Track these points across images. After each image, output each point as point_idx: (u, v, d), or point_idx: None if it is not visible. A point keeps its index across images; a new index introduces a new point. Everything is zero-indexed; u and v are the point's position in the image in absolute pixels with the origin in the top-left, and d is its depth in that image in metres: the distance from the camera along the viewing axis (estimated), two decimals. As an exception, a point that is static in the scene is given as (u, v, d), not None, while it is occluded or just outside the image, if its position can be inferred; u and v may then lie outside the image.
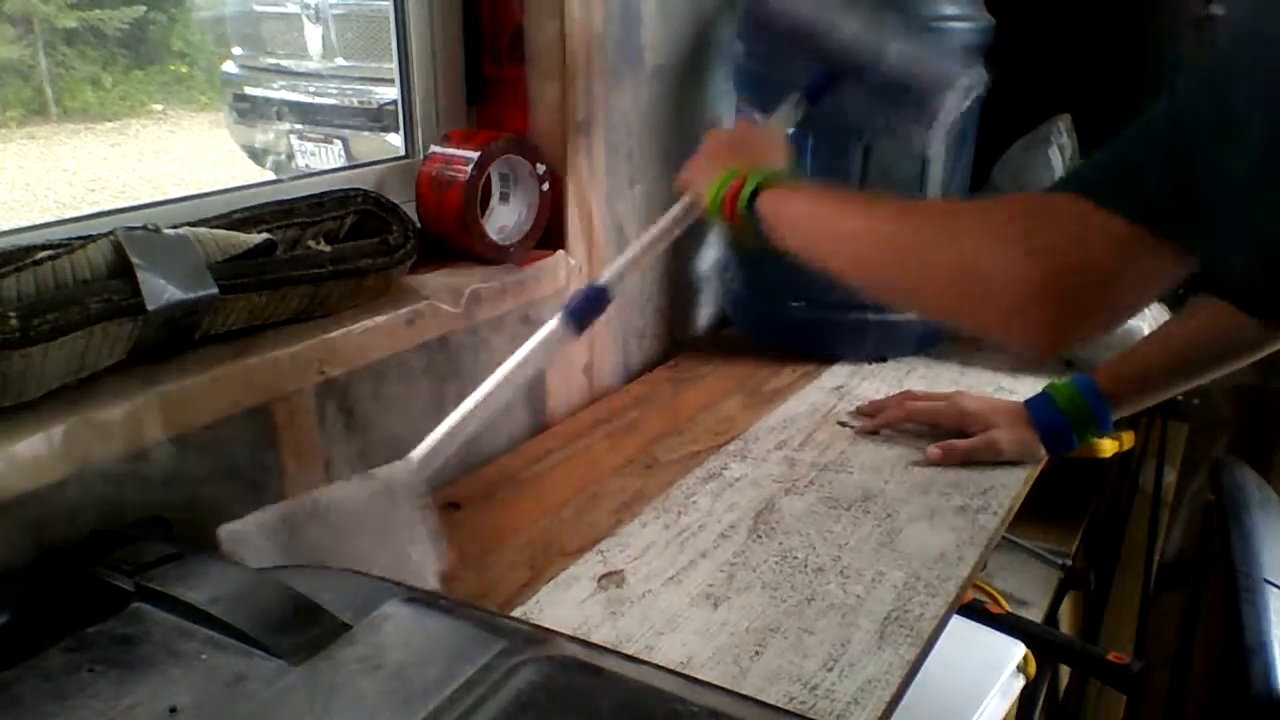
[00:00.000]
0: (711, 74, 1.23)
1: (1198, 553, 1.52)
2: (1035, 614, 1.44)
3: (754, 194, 0.82)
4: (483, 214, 0.96)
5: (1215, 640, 1.46)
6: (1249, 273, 0.60)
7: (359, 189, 0.85)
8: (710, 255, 1.31)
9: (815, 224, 0.78)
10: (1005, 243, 0.62)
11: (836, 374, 1.18)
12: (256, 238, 0.74)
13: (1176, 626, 1.46)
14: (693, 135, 1.22)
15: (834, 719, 0.64)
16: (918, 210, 0.75)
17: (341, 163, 2.65)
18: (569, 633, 0.53)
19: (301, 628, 0.47)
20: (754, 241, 0.84)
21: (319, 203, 0.82)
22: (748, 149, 0.89)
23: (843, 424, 1.05)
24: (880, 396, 1.11)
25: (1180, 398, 1.43)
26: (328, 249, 0.78)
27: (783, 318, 1.24)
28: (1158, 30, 1.44)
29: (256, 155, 3.04)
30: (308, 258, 0.76)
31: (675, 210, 0.89)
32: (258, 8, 2.95)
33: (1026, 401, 0.99)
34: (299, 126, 2.83)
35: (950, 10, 1.08)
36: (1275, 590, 1.07)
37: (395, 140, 1.03)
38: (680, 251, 1.26)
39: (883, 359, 1.22)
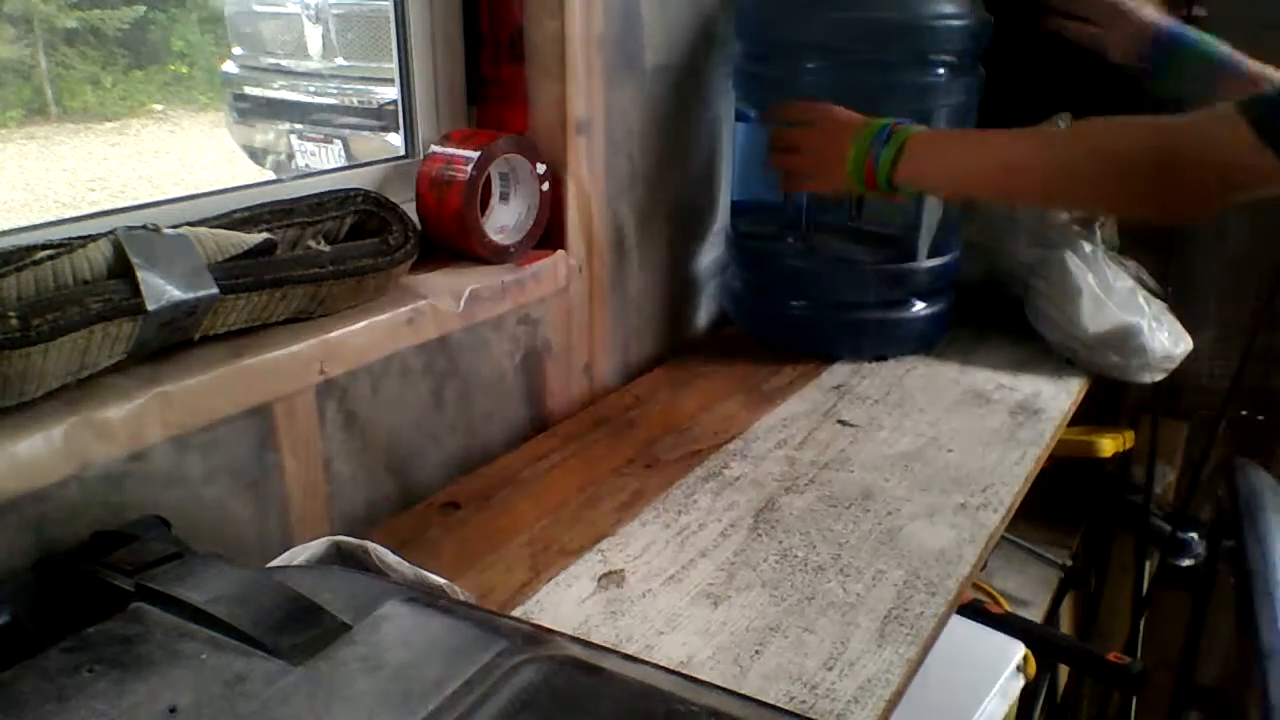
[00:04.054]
0: (712, 74, 1.23)
1: (1206, 554, 1.52)
2: (1035, 614, 1.44)
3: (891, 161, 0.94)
4: (483, 214, 0.96)
5: (1226, 642, 1.46)
6: None
7: (359, 189, 0.85)
8: (709, 255, 1.31)
9: (963, 168, 0.93)
10: (1161, 128, 0.78)
11: (836, 373, 1.18)
12: (256, 238, 0.74)
13: (1183, 627, 1.46)
14: (693, 135, 1.23)
15: (834, 718, 0.64)
16: (1082, 135, 0.89)
17: (341, 163, 2.65)
18: (569, 632, 0.53)
19: (301, 628, 0.47)
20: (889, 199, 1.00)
21: (319, 203, 0.82)
22: (839, 123, 1.00)
23: None
24: (880, 395, 1.12)
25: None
26: (328, 249, 0.78)
27: (783, 317, 1.24)
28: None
29: (256, 155, 3.04)
30: (308, 258, 0.76)
31: None
32: (258, 8, 2.95)
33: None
34: (299, 126, 2.83)
35: (948, 9, 1.08)
36: None
37: (395, 140, 1.03)
38: (679, 251, 1.26)
39: (883, 358, 1.22)
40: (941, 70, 1.11)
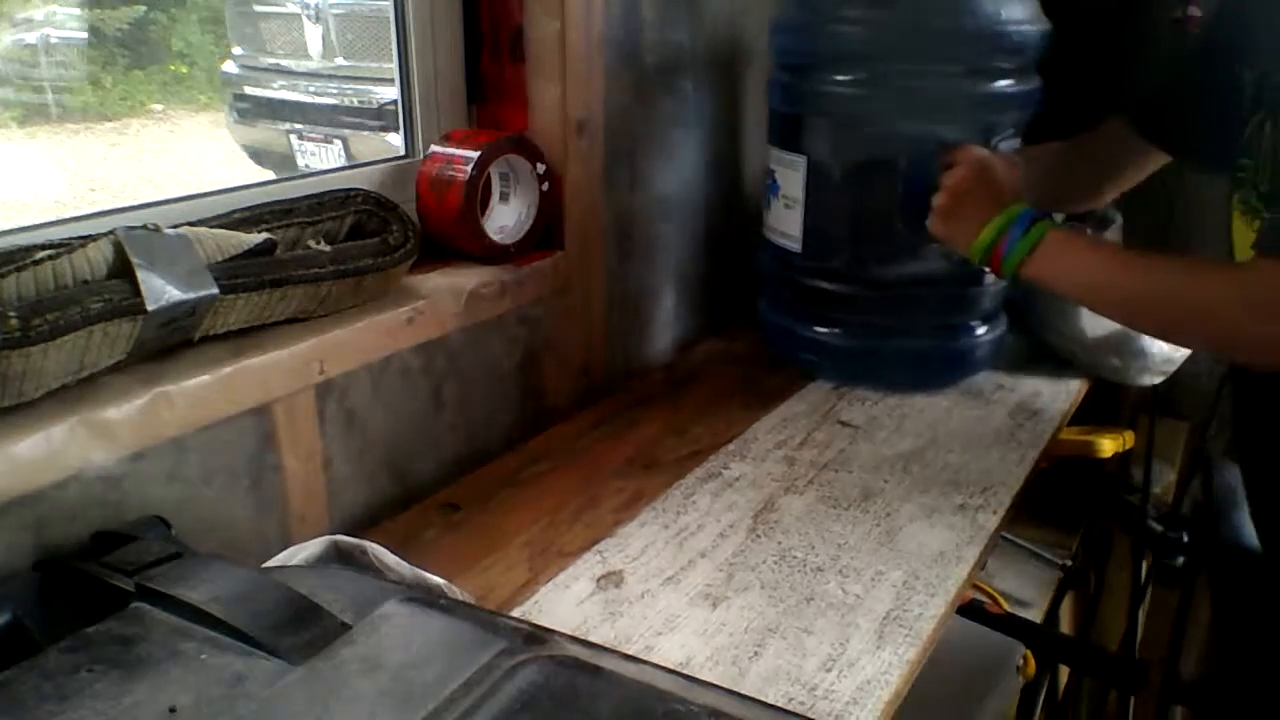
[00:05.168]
0: (714, 72, 1.23)
1: (1188, 553, 1.53)
2: (1035, 614, 1.44)
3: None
4: (483, 214, 0.96)
5: (1207, 639, 1.47)
6: None
7: (359, 189, 0.85)
8: (711, 258, 1.31)
9: (1091, 282, 0.90)
10: (1258, 309, 0.75)
11: (836, 374, 1.18)
12: (256, 237, 0.74)
13: (1169, 625, 1.47)
14: (695, 136, 1.23)
15: (833, 719, 0.64)
16: (1193, 276, 0.83)
17: (341, 163, 2.65)
18: (568, 633, 0.53)
19: (301, 628, 0.47)
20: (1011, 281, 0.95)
21: (319, 203, 0.82)
22: (994, 187, 0.95)
23: None
24: (879, 396, 1.11)
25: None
26: (328, 249, 0.78)
27: (810, 341, 1.14)
28: (1144, 31, 1.44)
29: (256, 155, 3.04)
30: (308, 258, 0.76)
31: None
32: (258, 8, 2.95)
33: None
34: (299, 126, 2.83)
35: (1014, 14, 1.00)
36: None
37: (395, 140, 1.03)
38: (679, 252, 1.26)
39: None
40: (1002, 81, 1.02)
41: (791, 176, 1.08)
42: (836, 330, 1.13)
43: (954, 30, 0.99)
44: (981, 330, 1.14)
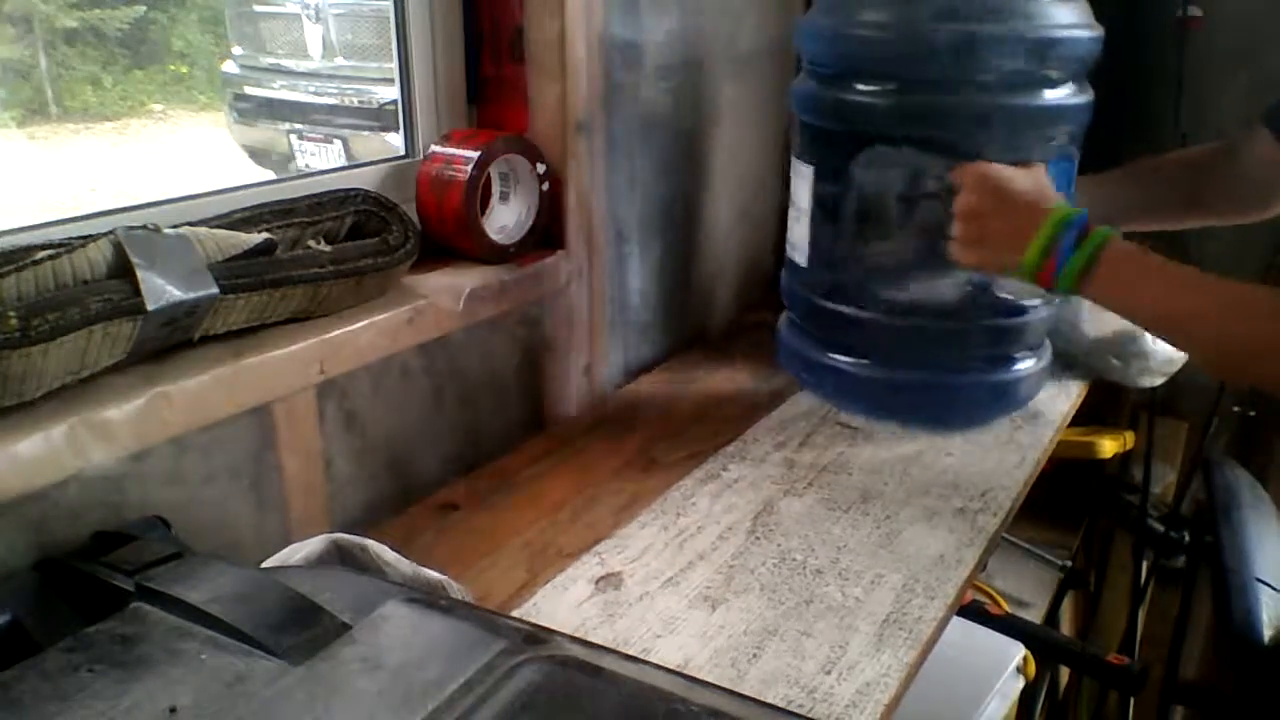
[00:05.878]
0: (714, 73, 1.23)
1: (1189, 553, 1.53)
2: (1035, 614, 1.44)
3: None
4: (483, 214, 0.96)
5: (1208, 640, 1.47)
6: None
7: (359, 189, 0.85)
8: (712, 259, 1.31)
9: (1159, 308, 0.80)
10: None
11: (836, 375, 1.18)
12: (256, 237, 0.74)
13: (1171, 625, 1.47)
14: (696, 137, 1.23)
15: (833, 720, 0.64)
16: (1266, 311, 0.75)
17: (341, 163, 2.65)
18: (568, 633, 0.53)
19: (301, 628, 0.47)
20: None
21: (319, 203, 0.82)
22: (1020, 198, 0.84)
23: None
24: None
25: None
26: (328, 249, 0.78)
27: (836, 371, 1.02)
28: (1142, 32, 1.44)
29: (256, 155, 3.04)
30: (308, 258, 0.76)
31: None
32: (258, 8, 2.95)
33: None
34: (299, 126, 2.83)
35: (1067, 19, 0.90)
36: (1267, 589, 1.07)
37: (395, 140, 1.03)
38: (680, 253, 1.26)
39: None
40: (1053, 92, 0.91)
41: (804, 188, 0.99)
42: (864, 361, 1.00)
43: (1001, 37, 0.88)
44: (1023, 365, 1.01)
